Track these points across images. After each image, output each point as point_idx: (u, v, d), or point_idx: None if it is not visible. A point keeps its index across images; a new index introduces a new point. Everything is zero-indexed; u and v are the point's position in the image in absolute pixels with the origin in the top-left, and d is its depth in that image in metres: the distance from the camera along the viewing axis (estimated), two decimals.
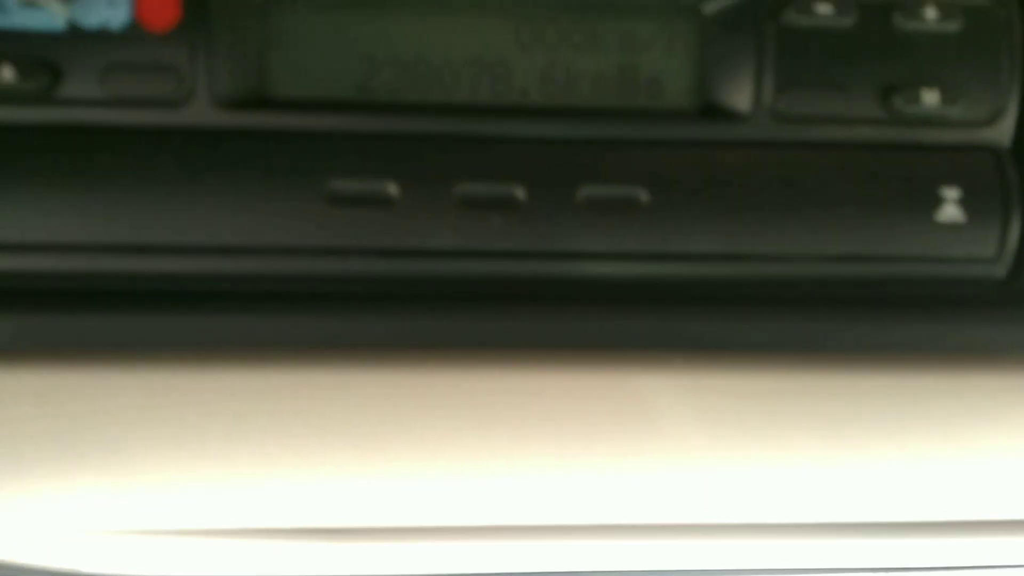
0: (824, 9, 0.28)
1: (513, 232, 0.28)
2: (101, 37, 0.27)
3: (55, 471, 0.26)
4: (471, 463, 0.27)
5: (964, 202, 0.29)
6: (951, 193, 0.29)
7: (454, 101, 0.29)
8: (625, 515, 0.27)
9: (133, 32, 0.27)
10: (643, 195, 0.28)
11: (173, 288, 0.28)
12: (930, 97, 0.29)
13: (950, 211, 0.29)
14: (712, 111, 0.29)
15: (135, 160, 0.27)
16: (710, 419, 0.29)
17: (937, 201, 0.29)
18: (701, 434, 0.28)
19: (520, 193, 0.28)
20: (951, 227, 0.29)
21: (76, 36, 0.27)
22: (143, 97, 0.27)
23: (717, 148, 0.29)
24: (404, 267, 0.28)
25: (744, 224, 0.29)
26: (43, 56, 0.27)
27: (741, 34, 0.29)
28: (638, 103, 0.29)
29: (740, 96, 0.29)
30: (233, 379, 0.28)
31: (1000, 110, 0.29)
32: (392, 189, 0.28)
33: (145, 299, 0.27)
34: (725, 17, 0.29)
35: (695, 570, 0.27)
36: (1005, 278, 0.30)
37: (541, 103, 0.29)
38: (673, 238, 0.29)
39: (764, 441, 0.28)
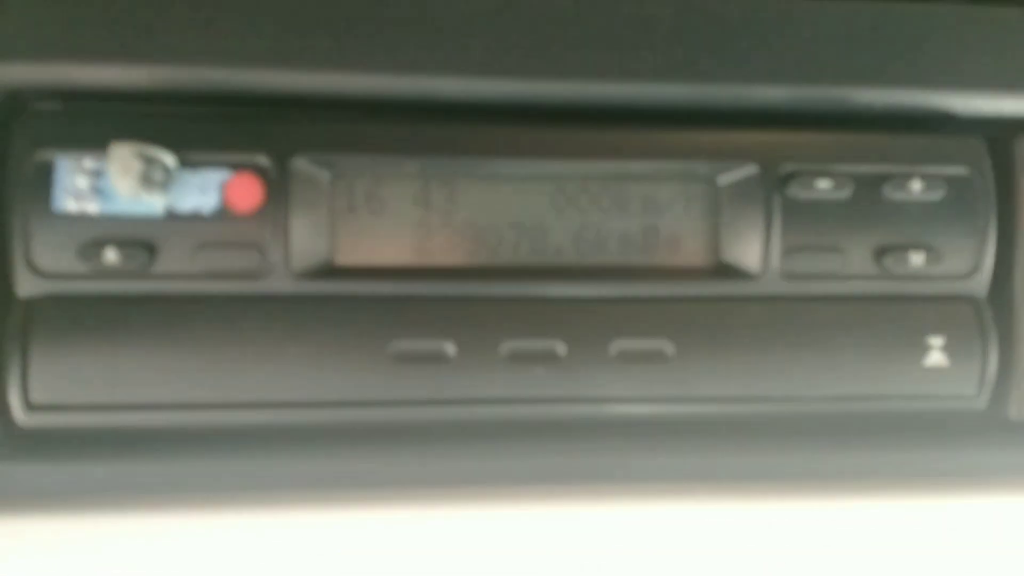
0: (824, 184, 0.32)
1: (554, 382, 0.32)
2: (194, 220, 0.30)
3: None
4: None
5: (947, 348, 0.33)
6: (936, 341, 0.33)
7: (499, 263, 0.32)
8: None
9: (222, 215, 0.31)
10: (668, 347, 0.32)
11: (256, 438, 0.31)
12: (916, 257, 0.33)
13: (935, 357, 0.33)
14: (726, 270, 0.33)
15: (222, 325, 0.31)
16: (729, 543, 0.32)
17: (924, 349, 0.33)
18: (720, 556, 0.32)
19: (560, 349, 0.32)
20: (936, 371, 0.33)
21: (172, 219, 0.30)
22: (229, 271, 0.31)
23: (731, 303, 0.33)
24: (459, 414, 0.32)
25: (757, 370, 0.33)
26: (142, 238, 0.30)
27: (751, 204, 0.33)
28: (659, 262, 0.33)
29: (751, 257, 0.33)
30: (304, 516, 0.31)
31: (977, 265, 0.34)
32: (449, 348, 0.31)
33: (230, 448, 0.31)
34: (737, 189, 0.33)
35: None
36: (985, 409, 0.34)
37: (575, 262, 0.33)
38: (695, 384, 0.32)
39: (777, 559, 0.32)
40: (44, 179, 0.30)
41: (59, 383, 0.30)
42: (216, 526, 0.31)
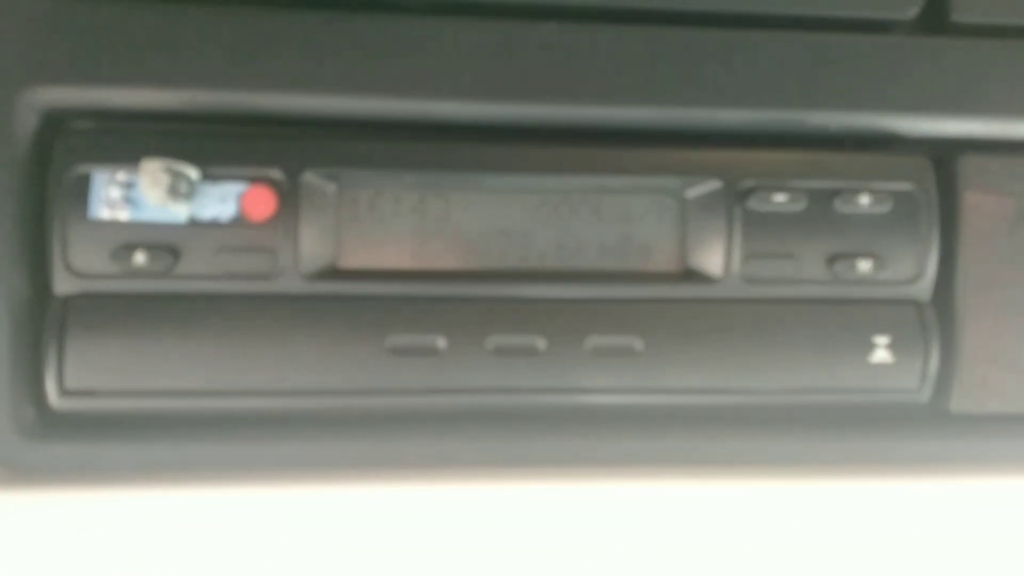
0: (780, 198, 0.36)
1: (535, 374, 0.35)
2: (213, 226, 0.34)
3: None
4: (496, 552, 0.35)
5: (892, 347, 0.36)
6: (881, 340, 0.36)
7: (488, 267, 0.36)
8: None
9: (239, 222, 0.34)
10: (638, 344, 0.36)
11: (266, 422, 0.35)
12: (864, 264, 0.36)
13: (881, 354, 0.36)
14: (692, 275, 0.36)
15: (237, 321, 0.34)
16: (687, 518, 0.36)
17: (870, 347, 0.36)
18: (687, 536, 0.36)
19: (541, 343, 0.35)
20: (882, 366, 0.37)
21: (194, 226, 0.34)
22: (244, 272, 0.34)
23: (696, 304, 0.36)
24: (448, 402, 0.35)
25: (718, 364, 0.36)
26: (167, 242, 0.34)
27: (715, 215, 0.36)
28: (631, 266, 0.36)
29: (714, 263, 0.36)
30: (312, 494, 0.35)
31: (921, 272, 0.37)
32: (440, 343, 0.35)
33: (241, 431, 0.35)
34: (703, 201, 0.36)
35: None
36: (928, 402, 0.38)
37: (556, 267, 0.36)
38: (662, 376, 0.36)
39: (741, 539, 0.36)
40: (81, 190, 0.34)
41: (90, 371, 0.34)
42: (229, 501, 0.34)
